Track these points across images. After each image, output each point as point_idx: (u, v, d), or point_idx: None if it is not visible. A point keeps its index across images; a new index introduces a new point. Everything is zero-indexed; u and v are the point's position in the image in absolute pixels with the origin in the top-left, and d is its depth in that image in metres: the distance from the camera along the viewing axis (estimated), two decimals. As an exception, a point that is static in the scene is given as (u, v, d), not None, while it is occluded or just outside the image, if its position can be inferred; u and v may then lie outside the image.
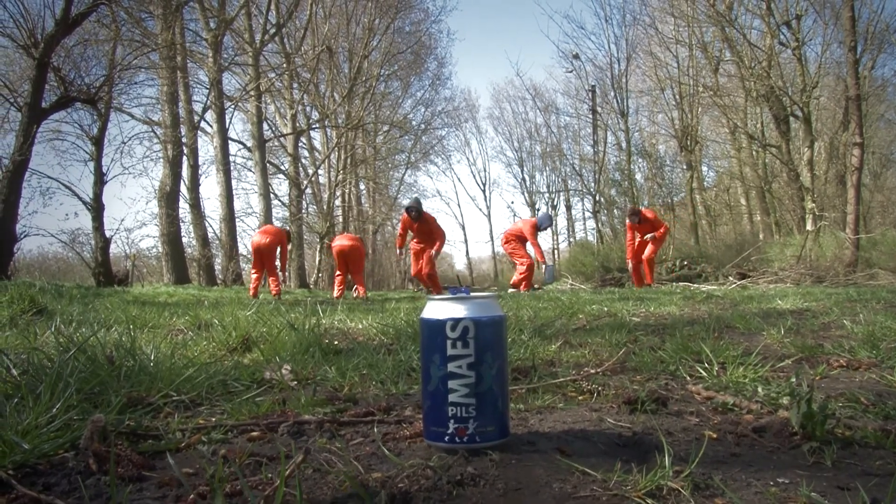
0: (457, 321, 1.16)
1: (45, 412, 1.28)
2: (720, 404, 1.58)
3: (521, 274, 12.46)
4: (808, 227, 16.90)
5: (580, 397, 1.70)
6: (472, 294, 1.21)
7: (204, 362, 2.08)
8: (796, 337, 2.80)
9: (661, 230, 12.35)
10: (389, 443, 1.25)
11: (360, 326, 3.43)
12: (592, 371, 1.90)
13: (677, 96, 26.17)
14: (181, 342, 2.70)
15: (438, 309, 1.19)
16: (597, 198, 32.73)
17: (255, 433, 1.30)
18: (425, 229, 11.89)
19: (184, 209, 21.74)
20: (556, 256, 32.08)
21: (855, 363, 2.15)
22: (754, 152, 23.36)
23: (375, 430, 1.34)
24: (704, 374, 1.95)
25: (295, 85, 27.99)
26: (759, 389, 1.68)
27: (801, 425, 1.28)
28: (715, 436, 1.31)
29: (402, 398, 1.71)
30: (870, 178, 26.53)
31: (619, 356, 2.10)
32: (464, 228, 55.92)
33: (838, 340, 2.67)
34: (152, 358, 1.96)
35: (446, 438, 1.17)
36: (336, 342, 2.69)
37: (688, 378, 1.94)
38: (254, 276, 11.68)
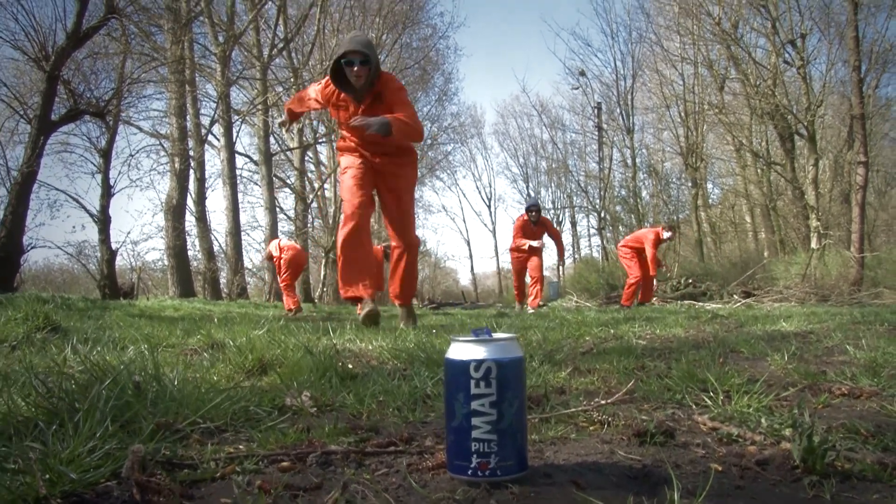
0: (480, 362, 1.24)
1: (85, 441, 1.35)
2: (725, 435, 1.64)
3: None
4: (813, 245, 16.96)
5: (591, 427, 1.77)
6: (495, 336, 1.28)
7: (225, 387, 2.14)
8: (800, 363, 2.85)
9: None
10: (414, 474, 1.32)
11: (371, 348, 3.49)
12: (603, 402, 1.97)
13: (682, 113, 26.34)
14: (198, 364, 2.76)
15: (462, 350, 1.27)
16: (602, 214, 32.85)
17: (285, 463, 1.37)
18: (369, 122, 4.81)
19: (189, 222, 21.91)
20: (560, 273, 32.15)
21: (857, 391, 2.21)
22: (759, 170, 23.45)
23: (401, 460, 1.41)
24: (710, 402, 2.01)
25: (302, 99, 28.12)
26: (763, 420, 1.74)
27: (802, 459, 1.35)
28: (720, 468, 1.37)
29: (420, 426, 1.78)
30: (874, 196, 26.60)
31: (629, 388, 2.17)
32: (469, 244, 56.01)
33: (841, 367, 2.72)
34: (175, 383, 2.02)
35: (469, 472, 1.24)
36: (350, 365, 2.75)
37: (693, 407, 2.00)
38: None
